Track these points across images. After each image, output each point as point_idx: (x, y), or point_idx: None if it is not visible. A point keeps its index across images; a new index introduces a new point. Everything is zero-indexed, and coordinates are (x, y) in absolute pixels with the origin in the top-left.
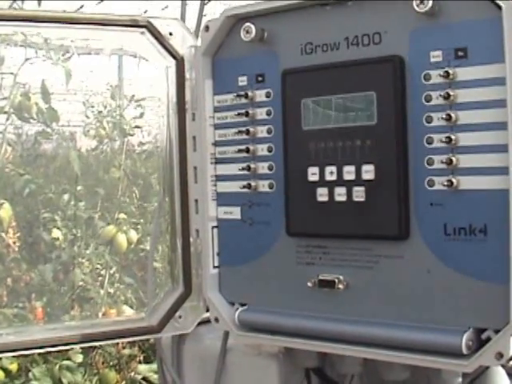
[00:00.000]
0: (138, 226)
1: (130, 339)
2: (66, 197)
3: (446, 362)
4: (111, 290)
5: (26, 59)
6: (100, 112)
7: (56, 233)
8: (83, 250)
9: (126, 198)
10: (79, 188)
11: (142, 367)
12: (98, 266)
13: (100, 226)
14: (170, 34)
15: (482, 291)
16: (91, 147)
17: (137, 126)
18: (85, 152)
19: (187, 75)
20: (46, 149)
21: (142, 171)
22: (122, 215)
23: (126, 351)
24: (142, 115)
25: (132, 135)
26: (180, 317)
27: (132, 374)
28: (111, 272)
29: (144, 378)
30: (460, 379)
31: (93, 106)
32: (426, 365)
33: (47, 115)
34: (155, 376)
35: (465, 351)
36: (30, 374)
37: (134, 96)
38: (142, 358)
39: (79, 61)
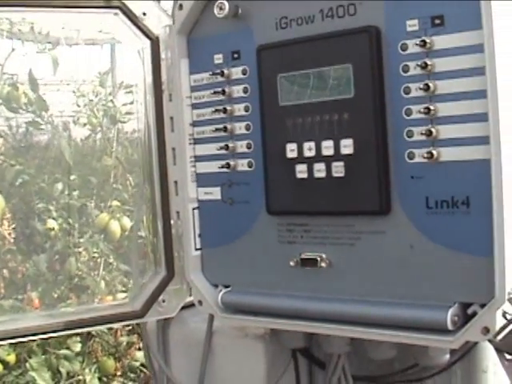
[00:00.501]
0: (133, 214)
1: (114, 325)
2: (59, 186)
3: (432, 338)
4: (108, 278)
5: (13, 49)
6: (91, 100)
7: (51, 223)
8: (78, 239)
9: (119, 185)
10: (72, 177)
11: (140, 354)
12: (94, 255)
13: (94, 215)
14: (144, 14)
15: (466, 265)
16: (84, 136)
17: (128, 113)
18: (79, 142)
19: (163, 55)
20: (37, 139)
21: (134, 158)
22: (116, 202)
23: (124, 339)
24: (132, 102)
25: (123, 122)
26: (163, 301)
27: (130, 361)
28: (107, 260)
29: (142, 365)
30: (448, 356)
31: (83, 96)
32: (411, 342)
33: (36, 105)
34: None
35: (450, 327)
36: (28, 365)
37: (122, 82)
38: (140, 345)
39: (68, 50)
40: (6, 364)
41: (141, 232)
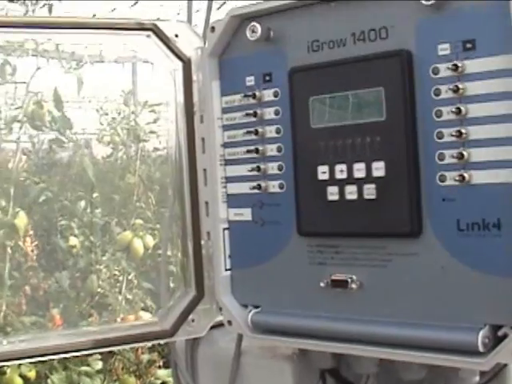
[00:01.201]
0: (155, 232)
1: (143, 344)
2: (82, 204)
3: (462, 360)
4: (130, 296)
5: (38, 68)
6: (114, 118)
7: (73, 240)
8: (100, 256)
9: (142, 203)
10: (95, 195)
11: (161, 372)
12: (116, 273)
13: (116, 233)
14: (176, 36)
15: (497, 287)
16: (106, 154)
17: (151, 132)
18: (100, 159)
19: (194, 77)
20: (60, 157)
21: (157, 176)
22: (139, 221)
23: (145, 356)
24: (155, 121)
25: (146, 141)
26: (193, 320)
27: (151, 379)
28: (129, 278)
29: (163, 383)
30: (477, 378)
31: (106, 114)
32: (441, 363)
33: (60, 123)
34: None
35: (481, 349)
36: (49, 381)
37: (147, 102)
38: (161, 363)
39: (92, 68)
40: (26, 380)
41: (168, 251)
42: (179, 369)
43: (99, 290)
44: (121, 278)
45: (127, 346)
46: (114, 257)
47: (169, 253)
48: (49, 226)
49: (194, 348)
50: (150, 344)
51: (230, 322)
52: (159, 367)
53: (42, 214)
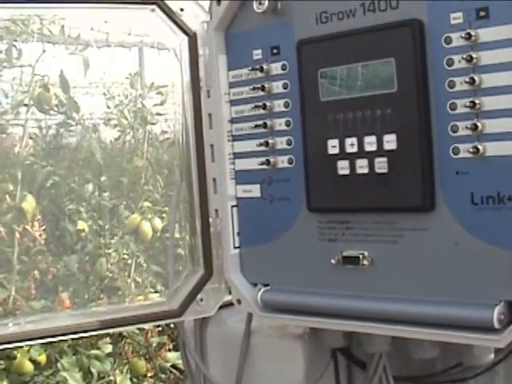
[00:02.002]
0: (164, 215)
1: (152, 324)
2: (89, 187)
3: (477, 337)
4: (139, 279)
5: (44, 51)
6: (121, 101)
7: (81, 224)
8: (109, 239)
9: (150, 186)
10: (103, 179)
11: (171, 355)
12: (125, 256)
13: (125, 216)
14: (181, 9)
15: None
16: (114, 138)
17: (158, 114)
18: (108, 144)
19: (200, 52)
20: (67, 140)
21: (165, 159)
22: (147, 203)
23: (155, 339)
24: (162, 103)
25: (154, 124)
26: (201, 300)
27: (161, 362)
28: (138, 261)
29: (173, 366)
30: (492, 355)
31: (113, 97)
32: (456, 341)
33: (67, 105)
34: None
35: (496, 325)
36: (59, 365)
37: (153, 83)
38: (171, 346)
39: (98, 53)
40: (36, 364)
41: (176, 232)
42: (188, 349)
43: (108, 273)
44: (130, 262)
45: (135, 326)
46: (123, 240)
47: (177, 235)
48: (57, 210)
49: (203, 328)
50: (158, 324)
51: (239, 301)
52: (169, 350)
53: (50, 199)
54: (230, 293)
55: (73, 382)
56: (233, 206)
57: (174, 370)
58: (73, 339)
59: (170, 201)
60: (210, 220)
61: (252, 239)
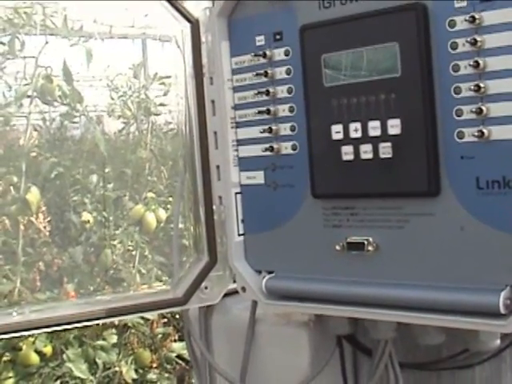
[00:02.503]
0: (168, 206)
1: (156, 312)
2: (94, 179)
3: (483, 322)
4: (143, 270)
5: (46, 42)
6: (124, 93)
7: (86, 216)
8: (113, 231)
9: (154, 177)
10: (107, 170)
11: (176, 345)
12: (129, 248)
13: (129, 207)
14: None
15: None
16: (118, 129)
17: (161, 104)
18: (112, 136)
19: (203, 39)
20: (71, 132)
21: (168, 150)
22: (151, 194)
23: (160, 330)
24: (166, 93)
25: (157, 115)
26: (206, 287)
27: (166, 352)
28: (142, 252)
29: (178, 356)
30: (498, 341)
31: (117, 88)
32: (461, 326)
33: (70, 96)
34: None
35: (502, 311)
36: (65, 356)
37: (157, 74)
38: (176, 336)
39: (101, 44)
40: (42, 356)
41: (180, 221)
42: (193, 338)
43: (113, 264)
44: (134, 252)
45: (140, 315)
46: (127, 231)
47: (181, 225)
48: (61, 202)
49: (208, 316)
50: (162, 312)
51: (243, 289)
52: (174, 341)
53: (55, 190)
54: (234, 281)
55: (79, 372)
56: (237, 193)
57: (180, 361)
58: (78, 330)
59: (174, 191)
60: (214, 207)
61: (256, 226)
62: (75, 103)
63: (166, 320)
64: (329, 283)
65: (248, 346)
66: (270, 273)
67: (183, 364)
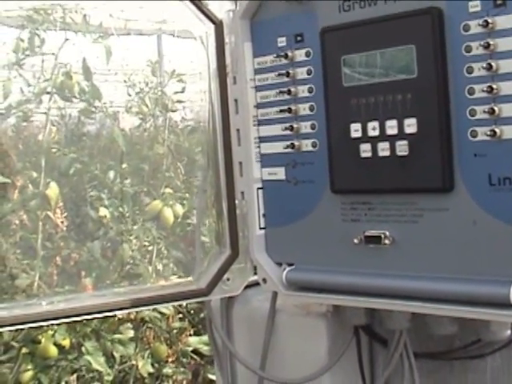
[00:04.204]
0: (184, 202)
1: (179, 302)
2: (111, 175)
3: (495, 313)
4: (160, 266)
5: (66, 39)
6: (142, 89)
7: (103, 211)
8: (130, 226)
9: (171, 173)
10: (124, 166)
11: (192, 339)
12: (146, 243)
13: (146, 203)
14: None
15: None
16: (134, 125)
17: (179, 101)
18: (128, 131)
19: (226, 39)
20: (90, 128)
21: (185, 146)
22: (168, 190)
23: (177, 324)
24: (183, 90)
25: (174, 111)
26: (228, 279)
27: (183, 346)
28: (159, 247)
29: (194, 351)
30: (509, 331)
31: (134, 85)
32: (474, 317)
33: (89, 93)
34: (205, 348)
35: None
36: (83, 349)
37: (174, 71)
38: (192, 331)
39: (119, 41)
40: (61, 348)
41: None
42: (215, 328)
43: (130, 259)
44: (151, 248)
45: (165, 305)
46: (145, 226)
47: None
48: (79, 197)
49: (229, 307)
50: (186, 302)
51: (264, 280)
52: (190, 335)
53: (73, 185)
54: (255, 273)
55: (97, 365)
56: (258, 189)
57: (196, 355)
58: (95, 324)
59: (191, 187)
60: (236, 202)
61: (277, 220)
62: (94, 99)
63: (181, 315)
64: (347, 275)
65: (268, 336)
66: (290, 265)
67: (198, 359)
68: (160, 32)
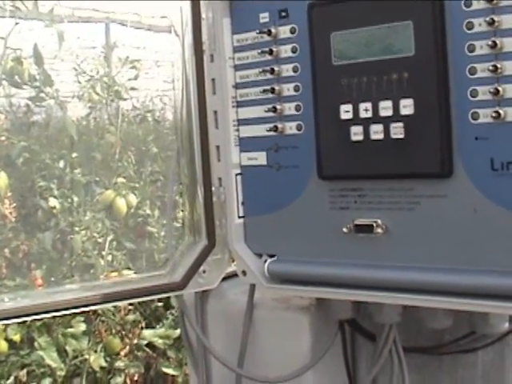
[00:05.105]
0: (136, 192)
1: (153, 297)
2: (61, 164)
3: (498, 305)
4: (111, 256)
5: (16, 23)
6: (92, 77)
7: (53, 201)
8: (82, 216)
9: (124, 162)
10: (75, 155)
11: (147, 332)
12: (95, 235)
13: (98, 193)
14: None
15: None
16: (84, 114)
17: (133, 88)
18: (78, 120)
19: (203, 15)
20: (40, 116)
21: (138, 134)
22: (121, 179)
23: (130, 317)
24: (136, 77)
25: (125, 100)
26: (204, 271)
27: (136, 340)
28: (111, 238)
29: (148, 344)
30: (507, 324)
31: (84, 72)
32: (476, 310)
33: (41, 79)
34: (160, 341)
35: None
36: (36, 344)
37: (128, 57)
38: (144, 324)
39: (70, 27)
40: (12, 344)
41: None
42: (189, 323)
43: (80, 251)
44: (103, 239)
45: (138, 300)
46: (97, 217)
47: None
48: (28, 187)
49: (204, 301)
50: (160, 297)
51: (244, 273)
52: (141, 328)
53: (21, 175)
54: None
55: (50, 360)
56: (237, 174)
57: (147, 349)
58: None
59: (143, 177)
60: (213, 189)
61: (257, 208)
62: (45, 86)
63: (131, 307)
64: (335, 266)
65: (246, 331)
66: (271, 256)
67: (150, 352)
68: (108, 21)
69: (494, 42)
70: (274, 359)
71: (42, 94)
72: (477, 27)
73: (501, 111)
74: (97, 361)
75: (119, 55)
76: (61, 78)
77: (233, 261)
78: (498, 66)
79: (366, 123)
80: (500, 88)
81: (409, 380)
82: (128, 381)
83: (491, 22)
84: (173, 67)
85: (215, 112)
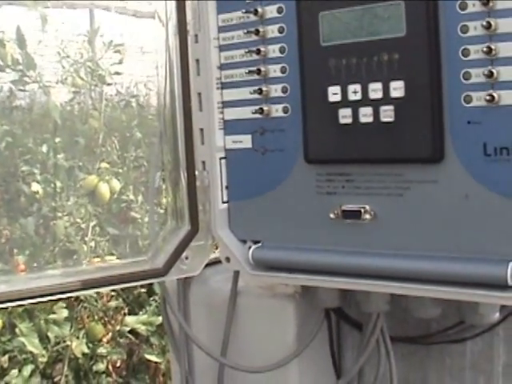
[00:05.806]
0: (119, 177)
1: (135, 284)
2: (44, 148)
3: (488, 294)
4: (94, 242)
5: None
6: (76, 61)
7: (35, 186)
8: (65, 202)
9: (108, 147)
10: (59, 139)
11: (130, 319)
12: (79, 220)
13: (81, 178)
14: None
15: None
16: (68, 99)
17: (117, 73)
18: (62, 104)
19: None
20: (23, 100)
21: (122, 119)
22: (104, 164)
23: (113, 303)
24: (121, 61)
25: (109, 85)
26: (187, 258)
27: (119, 326)
28: (94, 223)
29: (131, 331)
30: (498, 314)
31: (68, 56)
32: (465, 299)
33: (24, 62)
34: (143, 327)
35: (510, 282)
36: (17, 330)
37: (112, 42)
38: (126, 310)
39: (54, 12)
40: None
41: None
42: (171, 310)
43: (63, 237)
44: (86, 224)
45: (119, 286)
46: (80, 202)
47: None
48: (11, 172)
49: (186, 288)
50: (141, 284)
51: (227, 259)
52: (124, 314)
53: (4, 160)
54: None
55: (32, 347)
56: (221, 158)
57: (131, 336)
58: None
59: (126, 162)
60: (196, 173)
61: (242, 193)
62: (28, 69)
63: (113, 293)
64: (321, 253)
65: (230, 319)
66: (255, 242)
67: (133, 339)
68: (92, 6)
69: (488, 22)
70: (258, 348)
71: (26, 78)
72: (470, 7)
73: (495, 94)
74: (79, 347)
75: (103, 40)
76: (45, 64)
77: (216, 247)
78: (493, 47)
79: (354, 106)
80: (494, 70)
81: (396, 370)
82: (110, 367)
83: (485, 3)
84: (157, 54)
85: (199, 94)
